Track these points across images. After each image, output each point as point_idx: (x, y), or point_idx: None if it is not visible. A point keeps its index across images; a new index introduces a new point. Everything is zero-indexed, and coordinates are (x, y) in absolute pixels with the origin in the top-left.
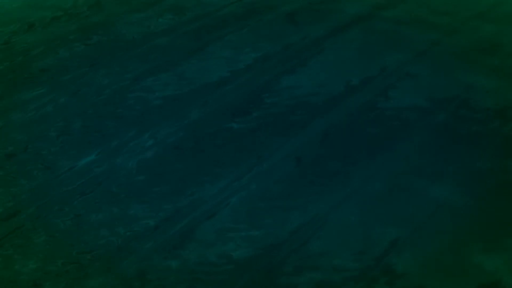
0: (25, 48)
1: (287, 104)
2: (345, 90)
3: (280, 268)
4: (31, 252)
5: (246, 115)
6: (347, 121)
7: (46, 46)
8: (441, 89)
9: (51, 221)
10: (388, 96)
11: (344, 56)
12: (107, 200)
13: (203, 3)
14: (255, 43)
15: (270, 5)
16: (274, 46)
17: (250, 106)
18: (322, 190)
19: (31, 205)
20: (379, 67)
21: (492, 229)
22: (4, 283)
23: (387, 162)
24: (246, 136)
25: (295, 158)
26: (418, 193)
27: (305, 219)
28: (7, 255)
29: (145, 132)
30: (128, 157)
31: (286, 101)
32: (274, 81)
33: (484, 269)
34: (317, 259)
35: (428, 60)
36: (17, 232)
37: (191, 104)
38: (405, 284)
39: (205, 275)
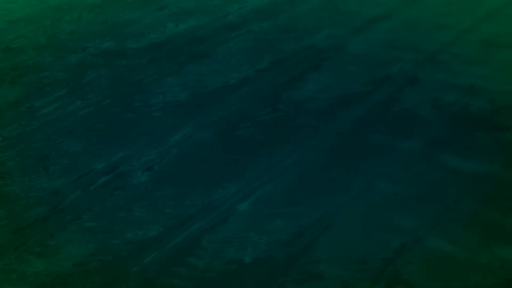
0: (31, 54)
1: (292, 111)
2: (350, 96)
3: (284, 273)
4: (36, 257)
5: (249, 122)
6: (351, 127)
7: (52, 50)
8: (444, 93)
9: (57, 227)
10: (392, 101)
11: (350, 61)
12: (116, 204)
13: (208, 9)
14: (260, 49)
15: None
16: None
17: (254, 113)
18: (326, 196)
19: (38, 211)
20: (384, 72)
21: (499, 234)
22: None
23: (390, 167)
24: (251, 143)
25: (300, 164)
26: (423, 198)
27: (309, 225)
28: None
29: (152, 139)
30: (137, 163)
31: (290, 107)
32: (280, 88)
33: (491, 273)
34: (321, 265)
35: (433, 64)
36: (27, 238)
37: (192, 111)
38: None
39: (212, 280)
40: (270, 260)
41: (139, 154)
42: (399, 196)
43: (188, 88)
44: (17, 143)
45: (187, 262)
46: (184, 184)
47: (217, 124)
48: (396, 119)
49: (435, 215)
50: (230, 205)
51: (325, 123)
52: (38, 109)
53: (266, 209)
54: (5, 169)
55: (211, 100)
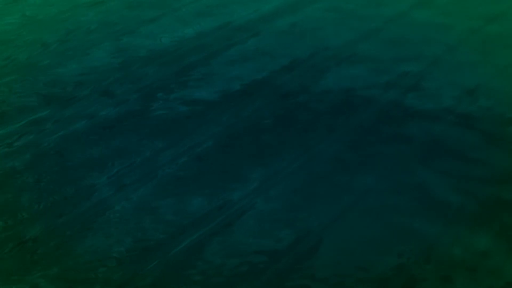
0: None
1: (296, 115)
2: (355, 100)
3: (289, 277)
4: (42, 263)
5: (254, 128)
6: (355, 131)
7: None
8: (449, 93)
9: (60, 237)
10: (397, 103)
11: (355, 64)
12: (119, 214)
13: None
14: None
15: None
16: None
17: (258, 118)
18: (329, 201)
19: (42, 222)
20: (390, 74)
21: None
22: None
23: (392, 171)
24: (255, 148)
25: (304, 169)
26: (426, 201)
27: (312, 229)
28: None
29: (157, 146)
30: (139, 171)
31: (295, 112)
32: (286, 93)
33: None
34: (325, 270)
35: (438, 65)
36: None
37: (194, 121)
38: None
39: (217, 284)
40: (274, 264)
41: (142, 162)
42: (401, 200)
43: (195, 93)
44: (30, 146)
45: (192, 268)
46: (188, 191)
47: (220, 131)
48: (400, 121)
49: (439, 218)
50: (234, 210)
51: (331, 126)
52: (46, 116)
53: (270, 213)
54: (9, 177)
55: (215, 105)
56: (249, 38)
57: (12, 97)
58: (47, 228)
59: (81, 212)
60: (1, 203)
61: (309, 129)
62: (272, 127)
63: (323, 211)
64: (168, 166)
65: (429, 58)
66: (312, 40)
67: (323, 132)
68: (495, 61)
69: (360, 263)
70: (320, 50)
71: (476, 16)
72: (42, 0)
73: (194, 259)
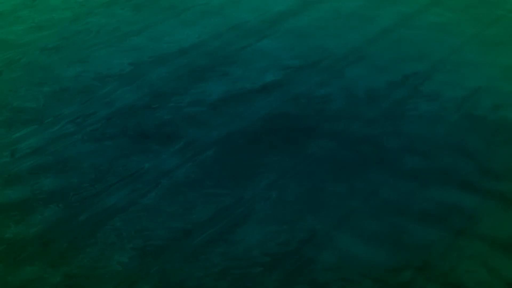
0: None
1: (299, 119)
2: (355, 105)
3: (291, 283)
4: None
5: (255, 134)
6: (359, 133)
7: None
8: (451, 95)
9: (67, 242)
10: (401, 105)
11: (358, 66)
12: (125, 218)
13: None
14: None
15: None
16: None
17: (260, 124)
18: (331, 205)
19: (53, 226)
20: (393, 77)
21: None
22: None
23: (394, 173)
24: (256, 154)
25: (304, 174)
26: (430, 208)
27: (314, 234)
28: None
29: (164, 148)
30: (147, 177)
31: (298, 115)
32: (293, 96)
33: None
34: (327, 275)
35: (441, 67)
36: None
37: (198, 124)
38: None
39: None
40: (278, 267)
41: (145, 168)
42: (406, 202)
43: (200, 97)
44: (33, 153)
45: (195, 271)
46: (191, 196)
47: (225, 135)
48: (404, 122)
49: (445, 223)
50: (238, 213)
51: (336, 128)
52: (49, 121)
53: (274, 216)
54: (10, 184)
55: (221, 108)
56: (257, 41)
57: (16, 102)
58: (50, 237)
59: (83, 220)
60: (3, 210)
61: (313, 131)
62: (277, 130)
63: (327, 214)
64: (171, 172)
65: (433, 59)
66: (321, 42)
67: (327, 134)
68: (498, 62)
69: (364, 267)
70: (327, 52)
71: (480, 16)
72: (49, 4)
73: (197, 263)
